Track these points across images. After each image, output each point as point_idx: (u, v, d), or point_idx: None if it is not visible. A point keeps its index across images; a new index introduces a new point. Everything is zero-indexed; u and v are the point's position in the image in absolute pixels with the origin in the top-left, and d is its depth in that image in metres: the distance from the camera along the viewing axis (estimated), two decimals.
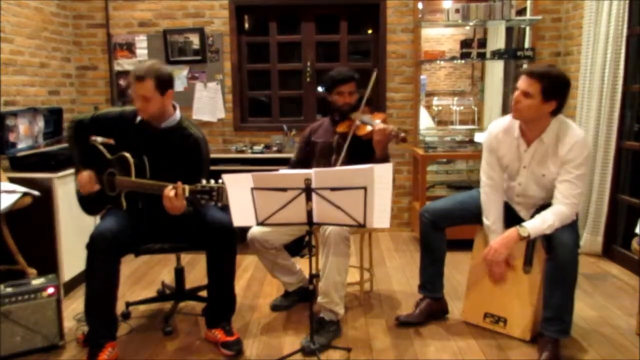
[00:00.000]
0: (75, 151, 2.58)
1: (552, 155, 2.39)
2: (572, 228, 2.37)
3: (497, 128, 2.53)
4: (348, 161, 2.74)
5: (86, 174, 2.50)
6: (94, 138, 2.67)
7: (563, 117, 2.41)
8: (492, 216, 2.53)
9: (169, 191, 2.23)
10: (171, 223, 2.51)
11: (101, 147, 2.60)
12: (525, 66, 4.32)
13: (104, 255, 2.29)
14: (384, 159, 2.69)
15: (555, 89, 2.29)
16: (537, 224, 2.33)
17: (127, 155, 2.44)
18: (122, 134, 2.53)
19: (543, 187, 2.46)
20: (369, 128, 2.73)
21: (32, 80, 3.87)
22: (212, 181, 2.21)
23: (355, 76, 2.88)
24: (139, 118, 2.50)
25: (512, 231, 2.37)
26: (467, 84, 6.39)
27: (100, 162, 2.56)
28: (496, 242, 2.41)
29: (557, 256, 2.29)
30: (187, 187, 2.22)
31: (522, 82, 2.32)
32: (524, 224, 2.37)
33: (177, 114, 2.54)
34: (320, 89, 4.66)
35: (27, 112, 3.49)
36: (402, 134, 2.62)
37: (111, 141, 2.61)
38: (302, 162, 2.99)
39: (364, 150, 2.75)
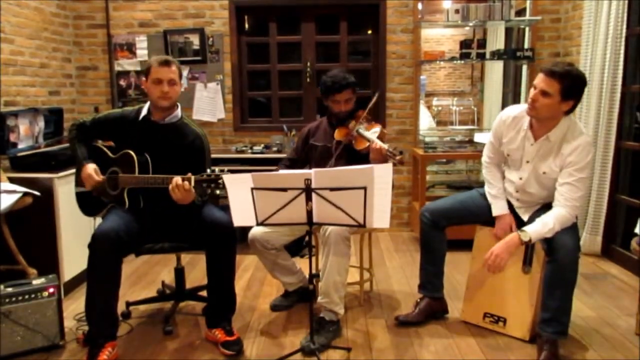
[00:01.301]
0: (78, 150, 2.58)
1: (555, 154, 2.39)
2: (572, 230, 2.38)
3: (508, 114, 2.54)
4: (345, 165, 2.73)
5: (90, 167, 2.49)
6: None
7: (573, 117, 2.40)
8: (495, 186, 2.61)
9: (178, 180, 2.25)
10: (172, 222, 2.53)
11: (103, 148, 2.61)
12: (524, 68, 4.33)
13: (106, 255, 2.29)
14: None
15: (575, 89, 2.29)
16: (538, 228, 2.33)
17: (131, 152, 2.46)
18: (124, 134, 2.55)
19: (543, 186, 2.46)
20: (367, 144, 2.66)
21: (33, 80, 3.88)
22: (217, 169, 2.24)
23: (351, 82, 2.75)
24: (142, 115, 2.53)
25: (514, 236, 2.37)
26: (466, 85, 6.40)
27: (102, 162, 2.57)
28: (497, 247, 2.40)
29: (557, 259, 2.30)
30: (192, 177, 2.26)
31: (541, 81, 2.29)
32: (524, 228, 2.36)
33: (179, 112, 2.59)
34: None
35: (27, 113, 3.50)
36: (399, 157, 2.48)
37: (110, 143, 2.63)
38: (299, 161, 2.99)
39: (360, 158, 2.69)
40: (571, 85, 2.26)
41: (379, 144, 2.57)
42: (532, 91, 2.34)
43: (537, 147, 2.43)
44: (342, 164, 2.77)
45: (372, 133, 2.68)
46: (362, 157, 2.69)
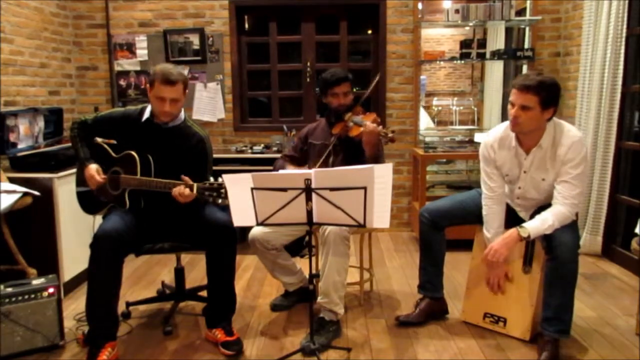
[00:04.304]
0: (80, 149, 2.56)
1: (550, 159, 2.39)
2: (572, 228, 2.38)
3: (492, 138, 2.52)
4: (344, 162, 2.77)
5: (92, 167, 2.48)
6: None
7: (557, 119, 2.41)
8: (493, 230, 2.52)
9: (184, 189, 2.28)
10: (172, 222, 2.53)
11: (105, 146, 2.61)
12: (525, 68, 4.33)
13: (108, 255, 2.30)
14: (375, 158, 2.71)
15: (552, 97, 2.29)
16: (537, 225, 2.33)
17: (133, 153, 2.46)
18: (126, 134, 2.55)
19: (543, 191, 2.46)
20: (361, 129, 2.72)
21: (33, 80, 3.88)
22: (220, 179, 2.25)
23: (349, 76, 2.86)
24: (145, 117, 2.53)
25: (513, 232, 2.37)
26: (466, 84, 6.40)
27: (104, 161, 2.56)
28: (497, 243, 2.41)
29: (557, 256, 2.30)
30: (195, 185, 2.27)
31: (518, 97, 2.29)
32: (524, 224, 2.37)
33: (182, 114, 2.59)
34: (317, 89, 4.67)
35: (27, 112, 3.50)
36: (390, 134, 2.60)
37: (112, 141, 2.62)
38: (297, 159, 3.02)
39: (358, 151, 2.75)
40: (548, 94, 2.27)
41: (371, 125, 2.64)
42: (511, 108, 2.33)
43: (531, 158, 2.43)
44: (340, 157, 2.83)
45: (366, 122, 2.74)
46: (359, 148, 2.74)
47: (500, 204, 2.54)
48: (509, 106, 2.35)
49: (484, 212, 2.56)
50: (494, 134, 2.53)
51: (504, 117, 4.38)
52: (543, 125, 2.36)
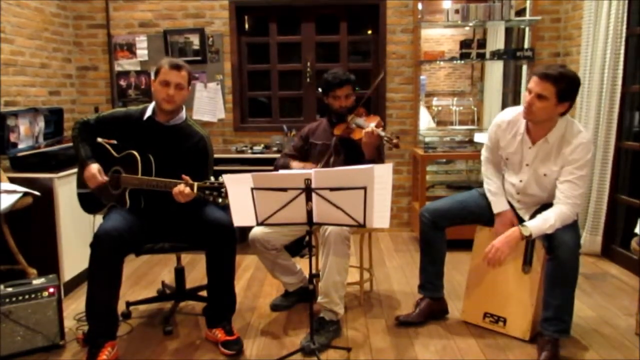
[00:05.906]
0: (81, 149, 2.55)
1: (555, 155, 2.39)
2: (573, 228, 2.38)
3: (503, 118, 2.55)
4: (344, 162, 2.77)
5: (94, 167, 2.47)
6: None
7: (569, 117, 2.41)
8: (493, 183, 2.61)
9: (184, 188, 2.27)
10: (172, 222, 2.53)
11: (107, 146, 2.61)
12: (524, 68, 4.33)
13: (108, 254, 2.30)
14: (373, 161, 2.69)
15: (570, 91, 2.29)
16: (539, 224, 2.34)
17: (135, 153, 2.47)
18: (128, 133, 2.55)
19: (544, 187, 2.47)
20: (362, 132, 2.70)
21: (33, 80, 3.88)
22: (220, 178, 2.25)
23: (351, 78, 2.84)
24: (147, 115, 2.54)
25: (514, 230, 2.38)
26: (466, 85, 6.39)
27: (105, 161, 2.56)
28: (498, 241, 2.40)
29: (558, 256, 2.30)
30: (195, 184, 2.27)
31: (536, 85, 2.29)
32: (525, 223, 2.37)
33: (183, 113, 2.60)
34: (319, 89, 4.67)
35: (27, 113, 3.50)
36: (395, 140, 2.55)
37: (113, 142, 2.63)
38: (298, 158, 3.00)
39: (359, 152, 2.75)
40: (566, 87, 2.27)
41: (372, 128, 2.62)
42: (527, 95, 2.34)
43: (536, 149, 2.43)
44: (341, 157, 2.83)
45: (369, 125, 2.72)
46: (361, 149, 2.73)
47: (496, 166, 2.65)
48: (526, 93, 2.36)
49: (482, 169, 2.69)
50: (505, 115, 2.56)
51: None
52: (555, 118, 2.36)
